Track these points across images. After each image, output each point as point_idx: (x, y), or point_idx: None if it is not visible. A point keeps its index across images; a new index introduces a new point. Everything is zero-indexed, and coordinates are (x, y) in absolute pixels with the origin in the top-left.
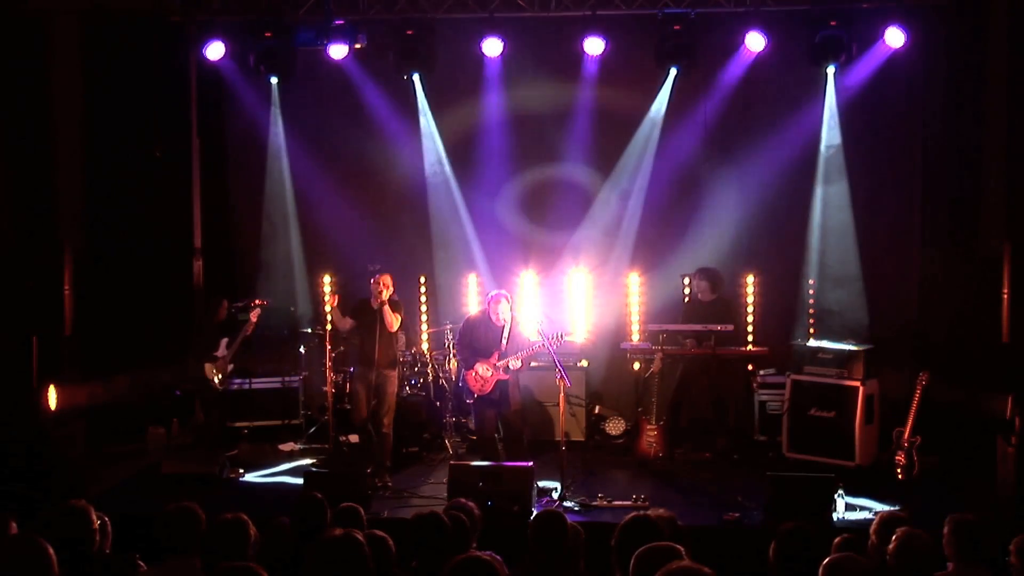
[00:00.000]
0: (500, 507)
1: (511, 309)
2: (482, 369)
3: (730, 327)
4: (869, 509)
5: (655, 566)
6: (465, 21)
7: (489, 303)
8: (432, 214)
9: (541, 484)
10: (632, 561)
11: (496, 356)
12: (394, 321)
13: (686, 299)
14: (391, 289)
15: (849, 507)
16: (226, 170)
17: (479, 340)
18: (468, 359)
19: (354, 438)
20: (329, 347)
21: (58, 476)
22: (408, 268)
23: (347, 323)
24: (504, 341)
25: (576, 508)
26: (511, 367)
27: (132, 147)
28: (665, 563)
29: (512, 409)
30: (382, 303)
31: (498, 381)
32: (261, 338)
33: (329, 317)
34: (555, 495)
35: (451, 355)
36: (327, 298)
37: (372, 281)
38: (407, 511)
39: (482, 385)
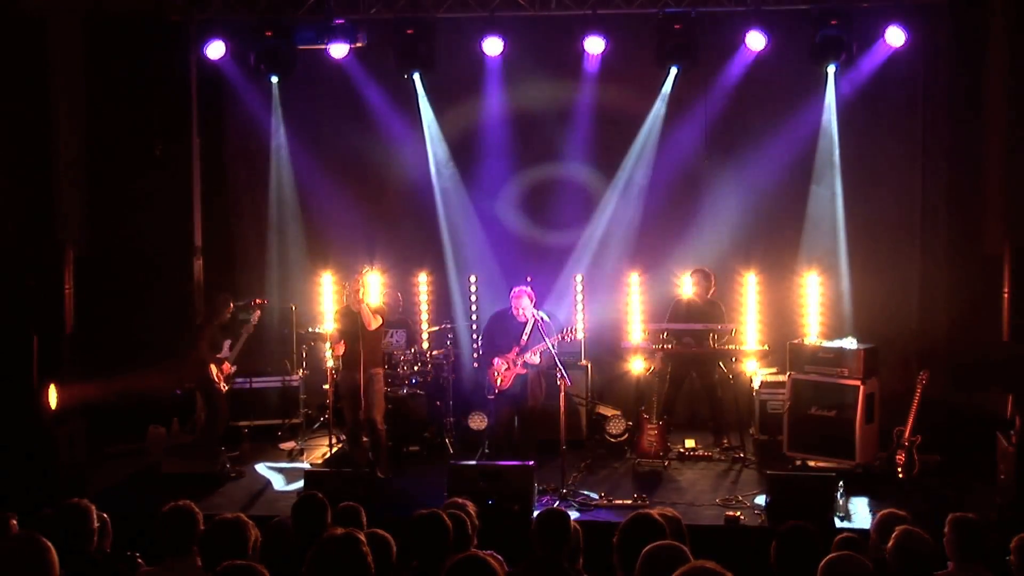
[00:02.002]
0: (500, 506)
1: (533, 305)
2: (499, 363)
3: (729, 326)
4: (869, 508)
5: (662, 565)
6: (465, 20)
7: (511, 298)
8: (433, 213)
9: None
10: (639, 560)
11: (516, 351)
12: (372, 320)
13: (676, 299)
14: (367, 290)
15: (849, 506)
16: (226, 170)
17: (501, 335)
18: (489, 353)
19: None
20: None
21: (58, 476)
22: (409, 267)
23: (342, 346)
24: (525, 337)
25: (576, 507)
26: (528, 361)
27: (132, 147)
28: (671, 562)
29: (531, 405)
30: (360, 303)
31: (517, 376)
32: (261, 338)
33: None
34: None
35: (451, 354)
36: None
37: (349, 282)
38: (407, 511)
39: (501, 380)
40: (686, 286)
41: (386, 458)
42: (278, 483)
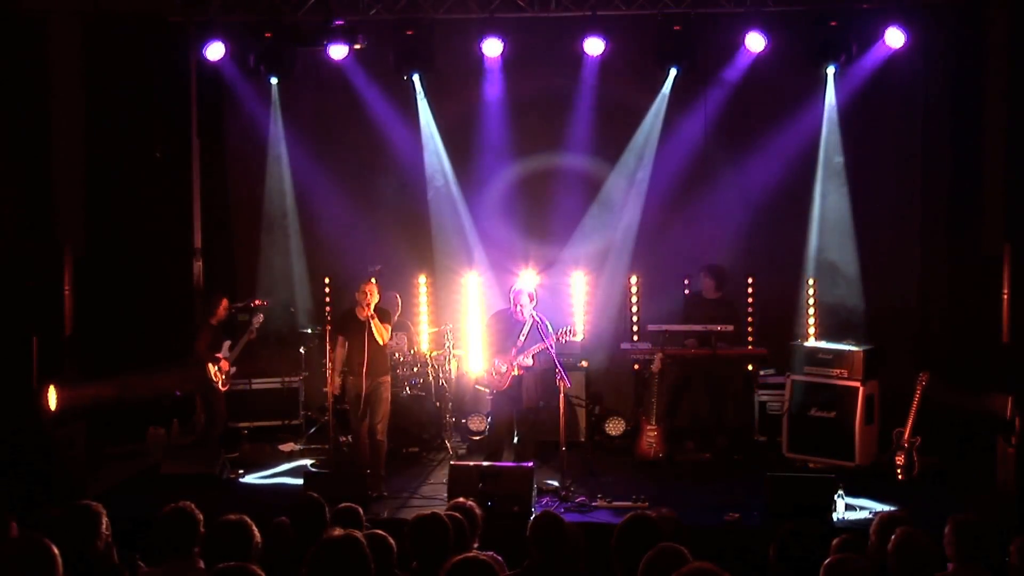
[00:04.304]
0: (500, 507)
1: (533, 304)
2: (497, 363)
3: (730, 327)
4: (869, 509)
5: (663, 568)
6: (465, 21)
7: (513, 294)
8: (432, 214)
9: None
10: (642, 564)
11: (514, 352)
12: (384, 334)
13: (687, 295)
14: (377, 297)
15: (849, 507)
16: (226, 170)
17: (500, 335)
18: (488, 353)
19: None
20: (329, 348)
21: (58, 476)
22: (408, 268)
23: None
24: (522, 338)
25: (575, 508)
26: (523, 364)
27: (132, 147)
28: (673, 565)
29: (525, 407)
30: (370, 316)
31: (513, 377)
32: (261, 338)
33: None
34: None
35: (451, 355)
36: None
37: (357, 291)
38: (407, 511)
39: (499, 380)
40: (698, 284)
41: (381, 471)
42: (277, 484)
